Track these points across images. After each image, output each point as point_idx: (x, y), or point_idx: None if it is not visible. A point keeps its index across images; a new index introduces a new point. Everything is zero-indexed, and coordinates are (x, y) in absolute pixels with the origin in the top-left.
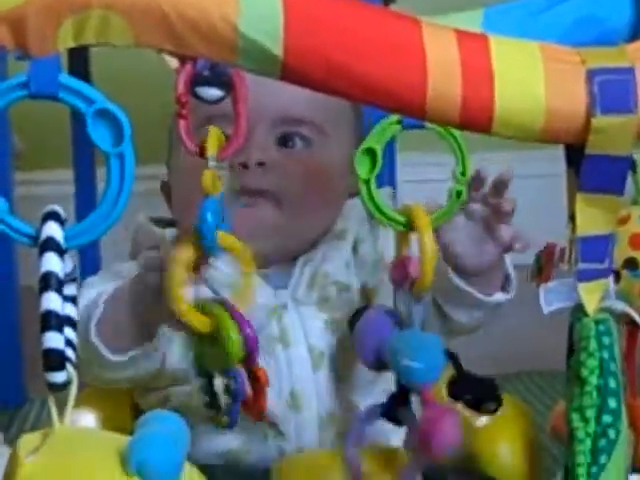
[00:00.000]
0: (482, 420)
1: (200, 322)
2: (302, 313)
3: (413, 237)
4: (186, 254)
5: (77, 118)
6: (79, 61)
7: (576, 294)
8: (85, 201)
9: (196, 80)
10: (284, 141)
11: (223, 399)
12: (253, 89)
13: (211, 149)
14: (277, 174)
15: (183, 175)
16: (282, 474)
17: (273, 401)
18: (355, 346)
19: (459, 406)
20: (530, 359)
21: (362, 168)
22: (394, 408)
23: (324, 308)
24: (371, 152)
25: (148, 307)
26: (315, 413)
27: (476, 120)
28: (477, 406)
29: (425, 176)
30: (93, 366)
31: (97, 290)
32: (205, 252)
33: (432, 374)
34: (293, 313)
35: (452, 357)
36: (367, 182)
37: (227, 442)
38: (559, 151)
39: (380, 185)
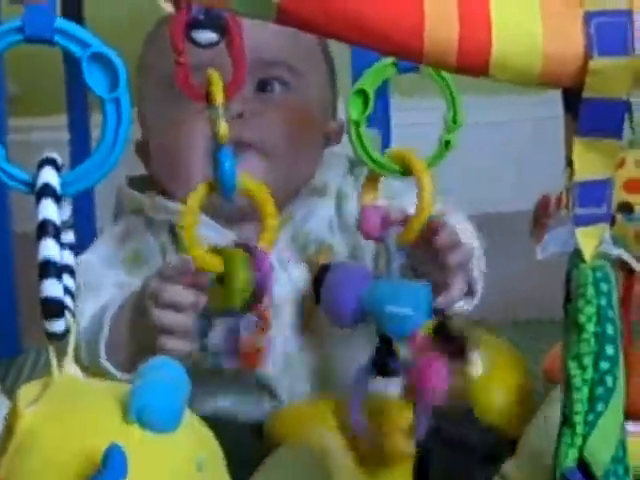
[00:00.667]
0: (478, 370)
1: (212, 264)
2: (288, 272)
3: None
4: (196, 201)
5: (70, 63)
6: (72, 6)
7: (571, 241)
8: (80, 148)
9: (191, 24)
10: (262, 86)
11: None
12: None
13: (218, 96)
14: (258, 123)
15: (165, 130)
16: (275, 425)
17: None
18: (327, 304)
19: None
20: (526, 308)
21: (354, 109)
22: (383, 361)
23: (308, 264)
24: (363, 93)
25: (148, 329)
26: (307, 374)
27: (473, 63)
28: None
29: (416, 120)
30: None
31: (98, 276)
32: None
33: (420, 318)
34: (280, 273)
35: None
36: (357, 124)
37: (219, 402)
38: (554, 94)
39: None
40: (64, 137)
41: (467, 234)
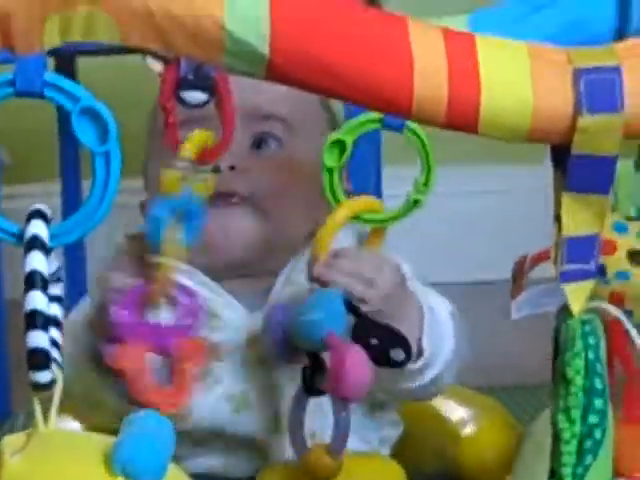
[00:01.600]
0: (467, 430)
1: None
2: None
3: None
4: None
5: (64, 130)
6: (64, 60)
7: (545, 300)
8: (71, 211)
9: (180, 84)
10: (257, 143)
11: None
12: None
13: (187, 149)
14: (250, 178)
15: (157, 183)
16: None
17: (258, 425)
18: (270, 350)
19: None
20: (517, 373)
21: (329, 157)
22: (311, 380)
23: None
24: (341, 143)
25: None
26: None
27: (462, 120)
28: (384, 354)
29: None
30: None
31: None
32: (150, 249)
33: (333, 322)
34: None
35: (350, 305)
36: (330, 171)
37: (209, 462)
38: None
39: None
40: (57, 203)
41: (441, 313)
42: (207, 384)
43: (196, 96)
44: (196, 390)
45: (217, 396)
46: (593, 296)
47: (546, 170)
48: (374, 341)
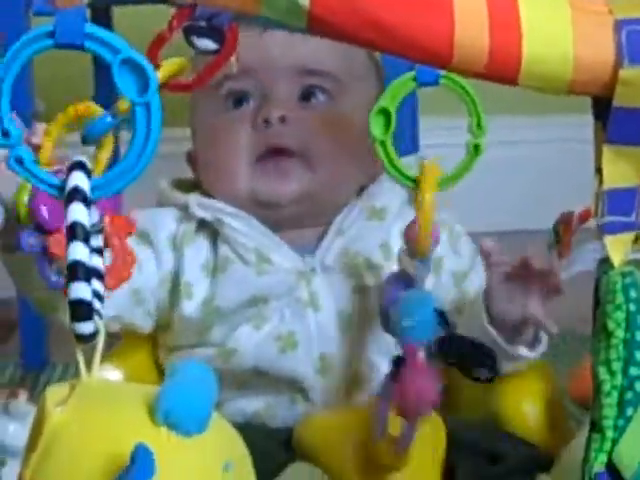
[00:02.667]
0: (504, 378)
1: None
2: (331, 278)
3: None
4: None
5: (100, 81)
6: (101, 14)
7: (593, 259)
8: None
9: (192, 30)
10: (306, 95)
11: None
12: (270, 41)
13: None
14: (300, 130)
15: (210, 138)
16: (304, 433)
17: (303, 366)
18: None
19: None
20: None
21: (377, 129)
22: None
23: (353, 276)
24: (385, 112)
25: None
26: (343, 377)
27: (503, 71)
28: (467, 371)
29: (446, 140)
30: None
31: None
32: None
33: (417, 332)
34: (323, 278)
35: (442, 316)
36: (383, 143)
37: (253, 405)
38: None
39: (403, 150)
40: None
41: None
42: (255, 324)
43: (206, 43)
44: (243, 330)
45: (264, 335)
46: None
47: (582, 122)
48: (452, 360)
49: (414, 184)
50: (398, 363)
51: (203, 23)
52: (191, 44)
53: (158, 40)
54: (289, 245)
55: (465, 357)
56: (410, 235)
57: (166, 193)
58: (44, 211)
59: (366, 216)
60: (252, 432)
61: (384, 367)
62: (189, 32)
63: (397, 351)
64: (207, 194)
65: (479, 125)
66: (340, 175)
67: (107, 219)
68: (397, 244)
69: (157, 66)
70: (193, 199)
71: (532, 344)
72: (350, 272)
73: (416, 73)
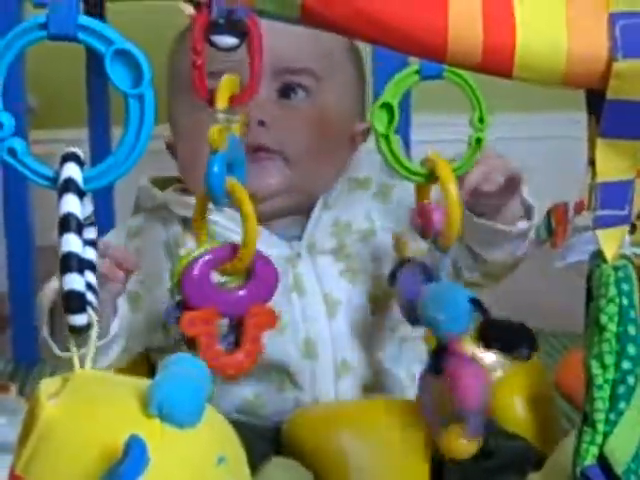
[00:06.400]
0: (495, 375)
1: None
2: (317, 261)
3: (433, 188)
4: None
5: (93, 72)
6: (94, 6)
7: (589, 248)
8: (99, 158)
9: (211, 28)
10: (285, 93)
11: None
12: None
13: (221, 101)
14: (279, 130)
15: (188, 132)
16: (295, 426)
17: (290, 350)
18: (399, 298)
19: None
20: (542, 320)
21: (379, 123)
22: (439, 362)
23: (340, 257)
24: (388, 106)
25: None
26: (330, 362)
27: (497, 63)
28: (510, 352)
29: (438, 137)
30: None
31: None
32: (214, 204)
33: (456, 324)
34: (308, 261)
35: (477, 304)
36: (386, 137)
37: (242, 393)
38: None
39: None
40: (84, 150)
41: None
42: None
43: (226, 40)
44: None
45: None
46: (637, 243)
47: (571, 118)
48: (498, 344)
49: (423, 178)
50: (438, 356)
51: (222, 20)
52: (212, 44)
53: (197, 62)
54: (275, 235)
55: (506, 340)
56: (435, 227)
57: (145, 190)
58: (189, 288)
59: (352, 187)
60: (239, 429)
61: (371, 351)
62: (209, 31)
63: (390, 336)
64: (184, 189)
65: (481, 119)
66: (320, 168)
67: (254, 311)
68: (378, 216)
69: (212, 92)
70: (172, 198)
71: (527, 215)
72: (338, 248)
73: (420, 66)
